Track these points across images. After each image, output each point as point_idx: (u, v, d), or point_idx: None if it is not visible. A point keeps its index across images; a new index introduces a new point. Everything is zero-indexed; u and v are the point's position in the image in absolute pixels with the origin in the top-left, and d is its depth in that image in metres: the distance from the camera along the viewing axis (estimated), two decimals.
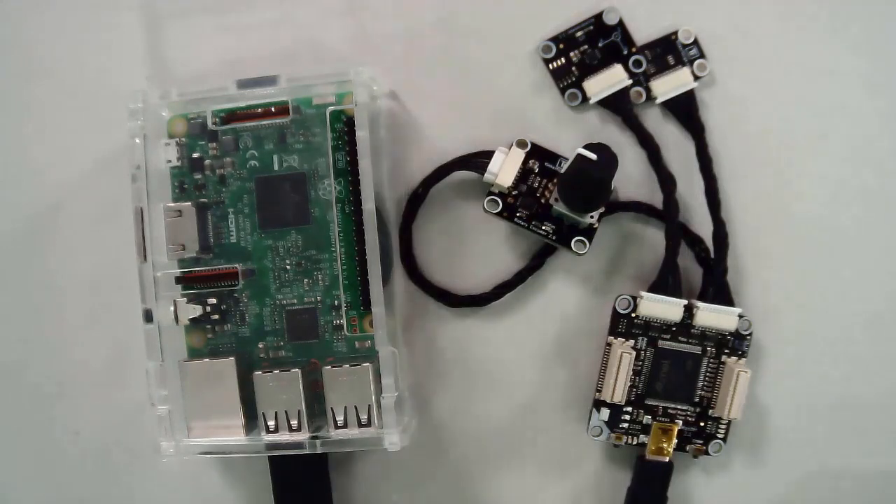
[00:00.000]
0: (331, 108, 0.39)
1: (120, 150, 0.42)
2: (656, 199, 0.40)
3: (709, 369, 0.39)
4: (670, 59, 0.41)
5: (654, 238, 0.41)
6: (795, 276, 0.41)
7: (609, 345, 0.39)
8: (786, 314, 0.41)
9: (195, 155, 0.40)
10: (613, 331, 0.39)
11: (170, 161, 0.40)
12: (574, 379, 0.41)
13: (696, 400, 0.39)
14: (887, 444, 0.41)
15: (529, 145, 0.40)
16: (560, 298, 0.41)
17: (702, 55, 0.41)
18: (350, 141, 0.38)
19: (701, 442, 0.39)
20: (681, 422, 0.39)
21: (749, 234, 0.41)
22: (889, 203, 0.41)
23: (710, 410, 0.39)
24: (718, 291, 0.39)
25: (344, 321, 0.40)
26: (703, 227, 0.40)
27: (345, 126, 0.39)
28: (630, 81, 0.40)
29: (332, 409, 0.38)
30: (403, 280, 0.41)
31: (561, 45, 0.41)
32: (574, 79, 0.41)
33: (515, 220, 0.39)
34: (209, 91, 0.39)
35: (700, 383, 0.39)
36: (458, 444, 0.42)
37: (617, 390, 0.38)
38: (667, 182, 0.39)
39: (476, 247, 0.42)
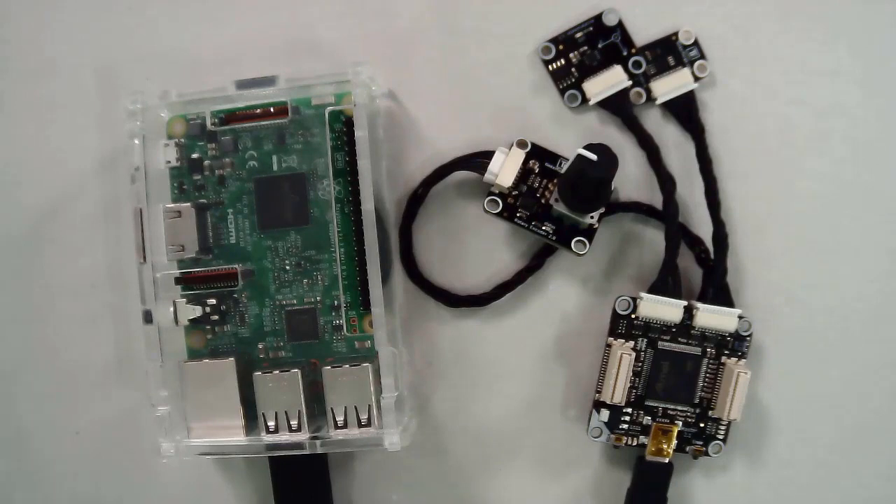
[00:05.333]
0: (330, 109, 0.39)
1: (120, 150, 0.42)
2: (656, 199, 0.40)
3: (708, 370, 0.39)
4: (670, 60, 0.41)
5: (654, 239, 0.41)
6: (795, 276, 0.41)
7: (609, 346, 0.39)
8: (786, 314, 0.41)
9: (194, 156, 0.40)
10: (613, 332, 0.39)
11: (169, 162, 0.40)
12: (574, 379, 0.41)
13: (696, 401, 0.39)
14: (887, 444, 0.41)
15: (530, 145, 0.40)
16: (560, 299, 0.41)
17: (702, 56, 0.41)
18: (349, 141, 0.38)
19: (701, 443, 0.39)
20: (681, 423, 0.39)
21: (749, 234, 0.41)
22: (889, 203, 0.41)
23: (710, 411, 0.39)
24: (718, 292, 0.39)
25: (344, 321, 0.40)
26: (702, 227, 0.40)
27: (344, 126, 0.39)
28: (630, 82, 0.40)
29: (332, 409, 0.38)
30: (403, 280, 0.41)
31: (560, 47, 0.41)
32: (574, 80, 0.41)
33: (515, 220, 0.39)
34: (208, 92, 0.39)
35: (700, 384, 0.39)
36: (458, 444, 0.42)
37: (617, 391, 0.38)
38: (667, 183, 0.39)
39: (476, 247, 0.41)
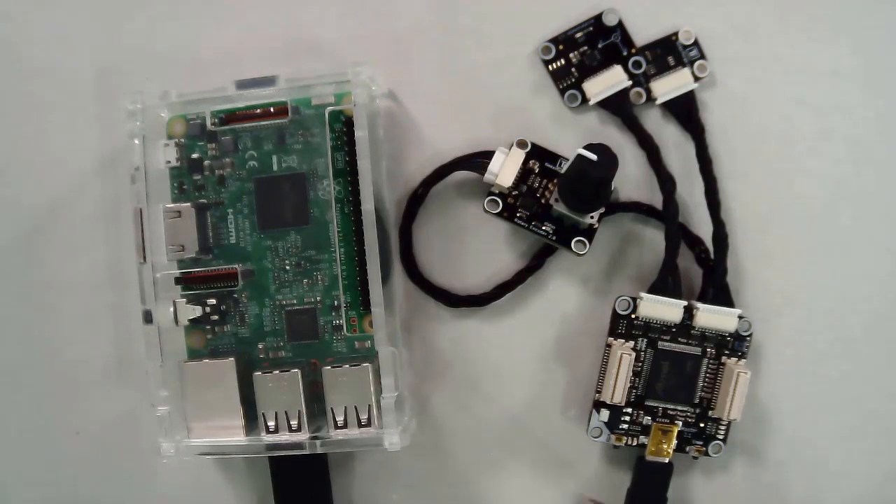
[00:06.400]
0: (329, 109, 0.39)
1: (120, 150, 0.42)
2: (656, 199, 0.40)
3: (708, 370, 0.39)
4: (670, 60, 0.41)
5: (654, 239, 0.41)
6: (795, 276, 0.41)
7: (609, 346, 0.39)
8: (786, 314, 0.41)
9: (194, 156, 0.40)
10: (613, 332, 0.39)
11: (169, 162, 0.40)
12: (574, 379, 0.41)
13: (696, 401, 0.39)
14: (887, 443, 0.41)
15: (530, 145, 0.40)
16: (560, 299, 0.41)
17: (702, 56, 0.41)
18: (349, 141, 0.38)
19: (701, 443, 0.39)
20: (681, 423, 0.39)
21: (749, 234, 0.41)
22: (889, 203, 0.41)
23: (710, 411, 0.39)
24: (718, 292, 0.39)
25: (344, 321, 0.40)
26: (702, 227, 0.40)
27: (344, 126, 0.39)
28: (630, 82, 0.40)
29: (332, 409, 0.38)
30: (403, 280, 0.41)
31: (560, 47, 0.41)
32: (574, 80, 0.41)
33: (515, 220, 0.39)
34: (208, 92, 0.39)
35: (700, 384, 0.39)
36: (458, 444, 0.42)
37: (617, 391, 0.38)
38: (667, 183, 0.39)
39: (476, 247, 0.41)
